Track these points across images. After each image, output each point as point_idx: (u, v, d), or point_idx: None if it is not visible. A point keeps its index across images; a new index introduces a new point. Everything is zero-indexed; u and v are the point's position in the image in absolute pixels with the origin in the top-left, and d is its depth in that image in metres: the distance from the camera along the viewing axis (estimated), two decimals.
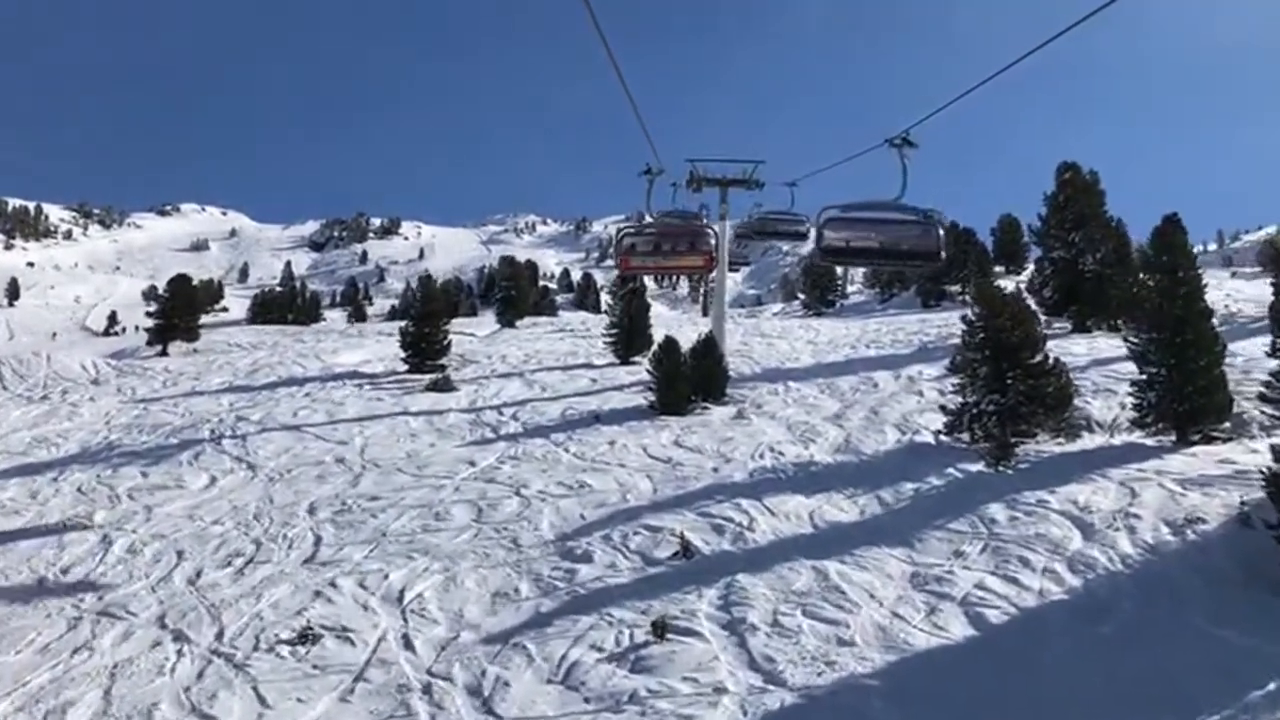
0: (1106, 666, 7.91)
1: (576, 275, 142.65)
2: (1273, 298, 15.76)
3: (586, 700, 7.91)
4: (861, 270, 53.04)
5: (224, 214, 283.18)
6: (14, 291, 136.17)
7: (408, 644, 9.16)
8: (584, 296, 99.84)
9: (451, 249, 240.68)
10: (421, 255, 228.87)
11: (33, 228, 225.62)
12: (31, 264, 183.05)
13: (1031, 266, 34.64)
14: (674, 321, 44.93)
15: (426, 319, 27.81)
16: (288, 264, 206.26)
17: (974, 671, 8.00)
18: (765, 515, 12.25)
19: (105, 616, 10.14)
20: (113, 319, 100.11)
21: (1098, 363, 19.96)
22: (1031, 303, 18.63)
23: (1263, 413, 13.28)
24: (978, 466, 13.54)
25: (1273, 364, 11.97)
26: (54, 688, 8.49)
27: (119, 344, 42.22)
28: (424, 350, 26.95)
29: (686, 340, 21.91)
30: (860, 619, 9.02)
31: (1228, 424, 14.09)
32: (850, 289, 61.72)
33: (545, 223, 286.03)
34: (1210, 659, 7.86)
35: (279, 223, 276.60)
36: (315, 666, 8.74)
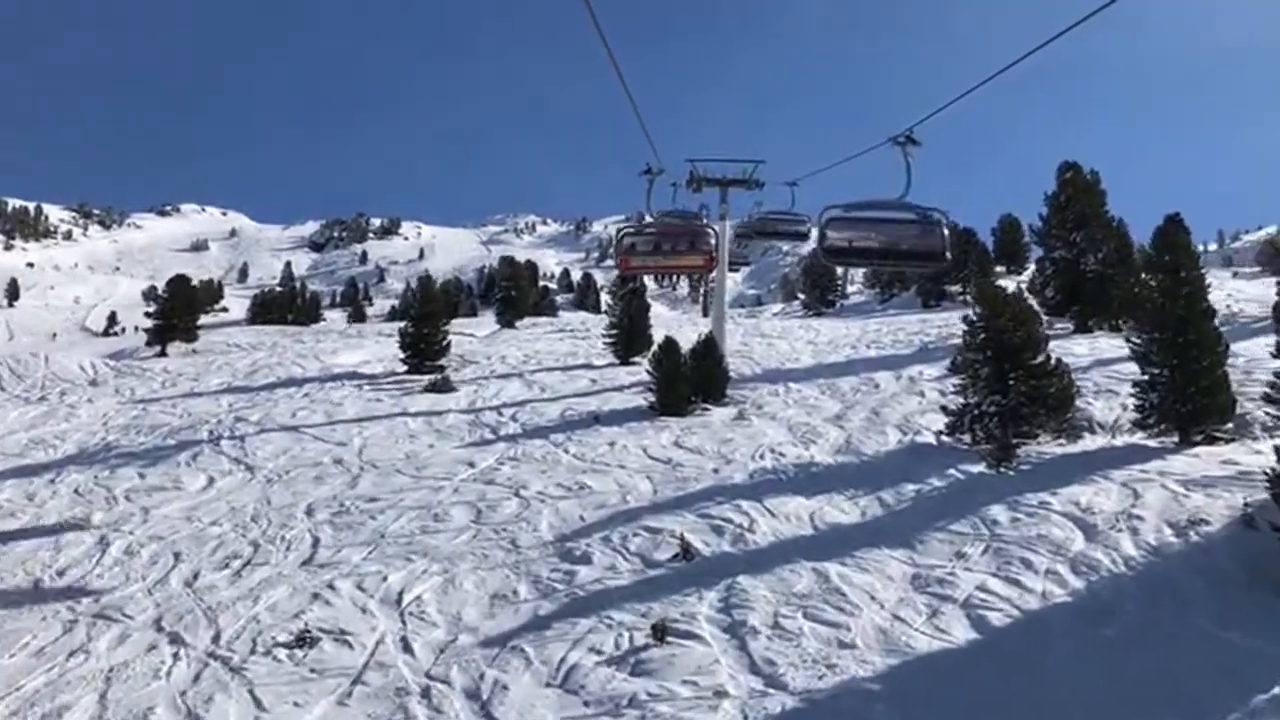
0: (1110, 669, 7.85)
1: (576, 275, 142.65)
2: (1277, 298, 15.68)
3: (586, 704, 7.84)
4: (862, 270, 52.93)
5: (224, 214, 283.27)
6: (14, 292, 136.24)
7: (406, 647, 9.09)
8: (584, 297, 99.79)
9: (451, 249, 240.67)
10: (421, 255, 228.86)
11: (32, 228, 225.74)
12: (31, 264, 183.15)
13: (1032, 266, 34.59)
14: (674, 322, 44.88)
15: (426, 319, 27.76)
16: (288, 264, 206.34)
17: (976, 674, 7.94)
18: (766, 517, 12.19)
19: (101, 619, 10.07)
20: (112, 319, 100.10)
21: (1100, 363, 19.90)
22: (1033, 303, 18.59)
23: (1266, 413, 13.21)
24: (979, 467, 13.48)
25: (1276, 364, 11.90)
26: (49, 691, 8.42)
27: (118, 344, 42.19)
28: (423, 351, 26.89)
29: (686, 341, 21.86)
30: (861, 621, 8.95)
31: (1230, 425, 14.03)
32: (850, 289, 61.75)
33: (545, 223, 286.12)
34: (1214, 661, 7.81)
35: (279, 223, 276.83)
36: (313, 670, 8.67)
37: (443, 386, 23.76)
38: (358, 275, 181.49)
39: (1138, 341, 14.75)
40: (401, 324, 31.16)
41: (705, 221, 15.10)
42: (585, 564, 10.99)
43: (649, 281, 29.21)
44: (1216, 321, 14.86)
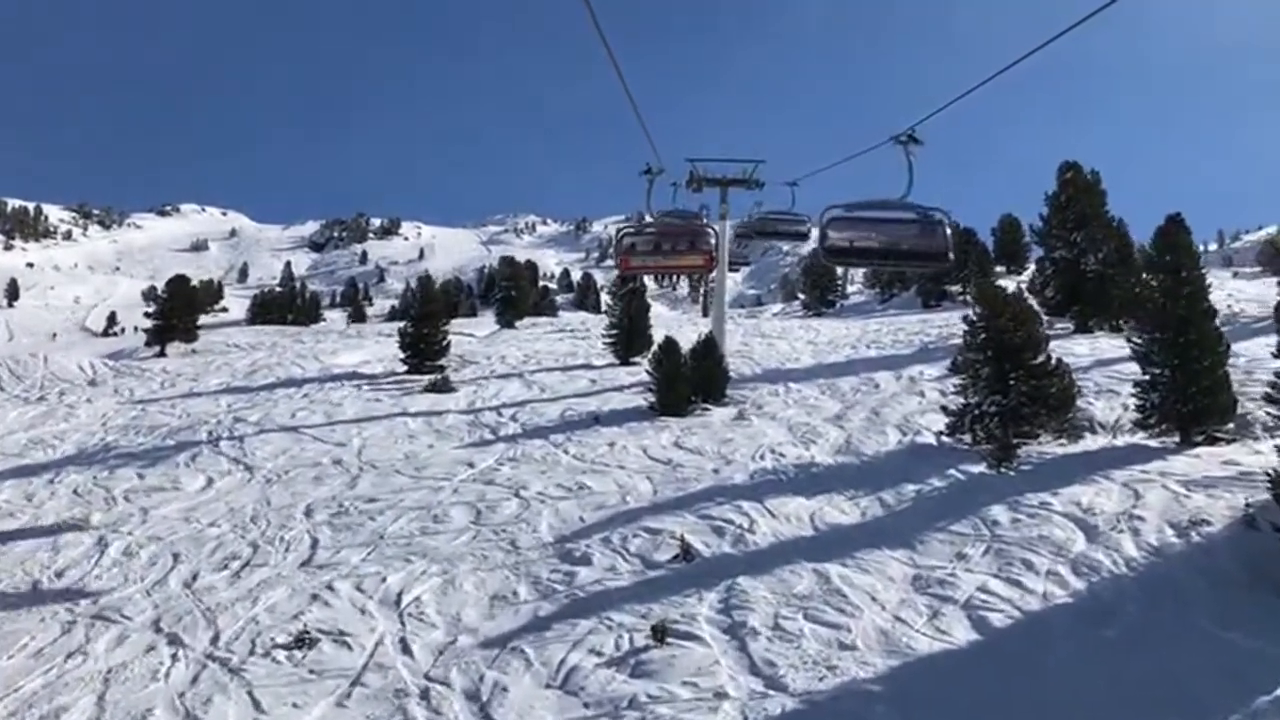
0: (1111, 670, 7.82)
1: (576, 275, 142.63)
2: (1278, 298, 15.64)
3: (585, 705, 7.81)
4: (862, 270, 52.90)
5: (224, 214, 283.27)
6: (13, 292, 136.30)
7: (405, 648, 9.06)
8: (584, 297, 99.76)
9: (451, 249, 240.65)
10: (421, 255, 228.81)
11: (32, 228, 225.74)
12: (31, 264, 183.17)
13: (1032, 266, 34.56)
14: (674, 322, 44.87)
15: (425, 319, 27.74)
16: (288, 264, 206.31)
17: (977, 676, 7.91)
18: (766, 517, 12.17)
19: (100, 620, 10.04)
20: (112, 319, 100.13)
21: (1100, 363, 19.87)
22: (1033, 303, 18.56)
23: (1267, 414, 13.17)
24: (980, 468, 13.45)
25: (1277, 364, 11.87)
26: (47, 693, 8.39)
27: (118, 345, 42.16)
28: (423, 351, 26.87)
29: (686, 341, 21.83)
30: (862, 623, 8.92)
31: (1231, 425, 14.01)
32: (850, 289, 61.74)
33: (545, 223, 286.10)
34: (1216, 662, 7.78)
35: (279, 223, 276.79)
36: (311, 671, 8.64)
37: (442, 387, 23.74)
38: (358, 275, 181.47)
39: (1139, 341, 14.72)
40: (401, 324, 31.13)
41: (705, 221, 15.10)
42: (585, 565, 10.96)
43: (649, 281, 29.21)
44: (1217, 322, 14.83)
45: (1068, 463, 13.33)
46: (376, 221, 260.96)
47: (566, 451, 16.65)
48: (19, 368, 28.12)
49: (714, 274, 22.61)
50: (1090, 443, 14.44)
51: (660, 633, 8.81)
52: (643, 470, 15.08)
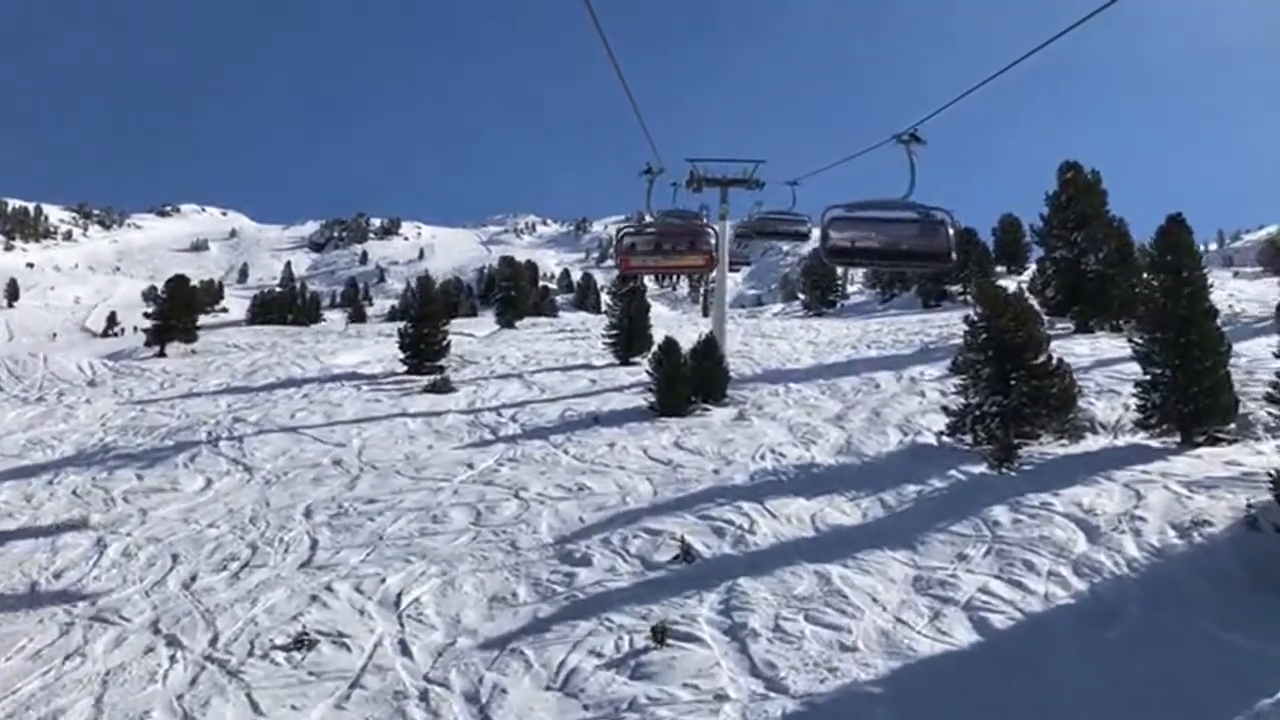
0: (1113, 671, 7.79)
1: (576, 275, 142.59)
2: (1279, 298, 15.62)
3: (585, 708, 7.78)
4: (862, 270, 52.86)
5: (224, 214, 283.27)
6: (13, 292, 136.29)
7: (404, 650, 9.03)
8: (584, 297, 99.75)
9: (451, 249, 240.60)
10: (421, 256, 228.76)
11: (32, 228, 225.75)
12: (31, 265, 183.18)
13: (1033, 266, 34.53)
14: (674, 322, 44.86)
15: (425, 320, 27.71)
16: (288, 264, 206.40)
17: (979, 678, 7.88)
18: (766, 518, 12.13)
19: (98, 622, 10.01)
20: (112, 320, 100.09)
21: (1101, 363, 19.84)
22: (1034, 303, 18.53)
23: (1269, 414, 13.15)
24: (980, 468, 13.42)
25: (1278, 365, 11.84)
26: (45, 695, 8.37)
27: (117, 345, 42.13)
28: (423, 351, 26.83)
29: (687, 341, 21.80)
30: (863, 624, 8.89)
31: (1233, 425, 13.96)
32: (851, 289, 61.71)
33: (545, 223, 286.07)
34: (1218, 663, 7.75)
35: (279, 223, 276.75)
36: (310, 673, 8.61)
37: (442, 387, 23.70)
38: (358, 275, 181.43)
39: (1140, 341, 14.68)
40: (401, 324, 31.10)
41: (705, 221, 15.08)
42: (585, 566, 10.93)
43: (649, 281, 29.26)
44: (1218, 322, 14.80)
45: (1069, 463, 13.30)
46: (376, 221, 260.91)
47: (566, 452, 16.62)
48: (18, 368, 28.09)
49: (714, 274, 22.60)
50: (1091, 443, 14.40)
51: (660, 634, 8.77)
52: (643, 471, 15.04)
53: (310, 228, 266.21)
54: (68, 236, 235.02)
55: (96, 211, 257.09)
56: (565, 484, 14.44)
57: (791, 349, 28.59)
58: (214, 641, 9.35)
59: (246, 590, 10.77)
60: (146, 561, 11.92)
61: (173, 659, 9.00)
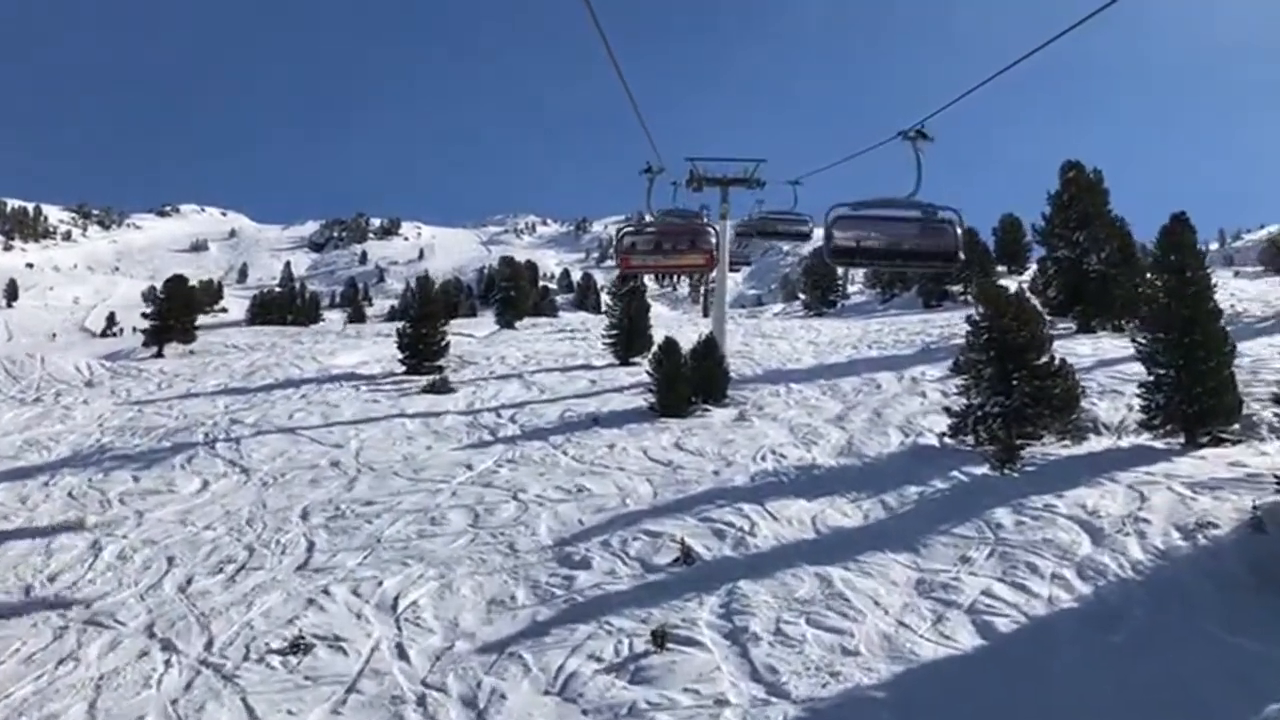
0: (1118, 675, 7.71)
1: (576, 275, 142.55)
2: None
3: (584, 712, 7.69)
4: (862, 270, 52.75)
5: (224, 214, 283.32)
6: (13, 292, 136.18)
7: (402, 654, 8.94)
8: (584, 297, 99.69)
9: (451, 249, 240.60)
10: (421, 256, 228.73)
11: (32, 228, 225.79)
12: (30, 265, 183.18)
13: (1034, 266, 34.44)
14: (674, 322, 44.80)
15: (424, 320, 27.63)
16: (287, 264, 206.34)
17: (982, 682, 7.80)
18: (767, 520, 12.05)
19: (92, 625, 9.90)
20: (111, 320, 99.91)
21: (1103, 363, 19.77)
22: (1035, 303, 18.45)
23: (1273, 414, 13.09)
24: (983, 470, 13.34)
25: None
26: (38, 700, 8.27)
27: (116, 345, 42.09)
28: (422, 351, 26.75)
29: (687, 341, 21.72)
30: (865, 628, 8.81)
31: (1237, 426, 13.88)
32: (851, 289, 61.65)
33: (545, 223, 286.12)
34: (1223, 666, 7.68)
35: (279, 223, 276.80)
36: (306, 677, 8.51)
37: (441, 387, 23.61)
38: (357, 275, 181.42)
39: (1143, 341, 14.60)
40: (400, 324, 31.02)
41: (706, 221, 14.98)
42: (584, 569, 10.84)
43: (649, 281, 29.18)
44: (1221, 321, 14.72)
45: (1072, 464, 13.22)
46: (376, 221, 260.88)
47: (566, 453, 16.53)
48: (16, 368, 28.00)
49: (714, 274, 22.52)
50: (1094, 444, 14.33)
51: (660, 638, 8.68)
52: (642, 472, 14.96)
53: (310, 228, 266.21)
54: (67, 237, 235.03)
55: (96, 212, 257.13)
56: (564, 485, 14.35)
57: (792, 349, 28.51)
58: (209, 645, 9.26)
59: (242, 593, 10.67)
60: (142, 564, 11.82)
61: (168, 663, 8.90)
